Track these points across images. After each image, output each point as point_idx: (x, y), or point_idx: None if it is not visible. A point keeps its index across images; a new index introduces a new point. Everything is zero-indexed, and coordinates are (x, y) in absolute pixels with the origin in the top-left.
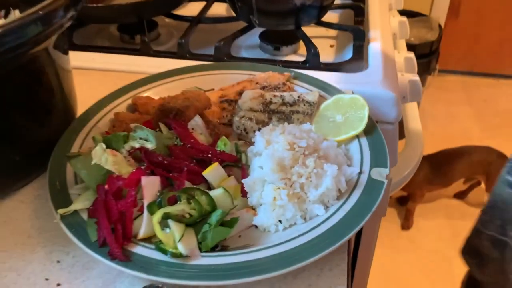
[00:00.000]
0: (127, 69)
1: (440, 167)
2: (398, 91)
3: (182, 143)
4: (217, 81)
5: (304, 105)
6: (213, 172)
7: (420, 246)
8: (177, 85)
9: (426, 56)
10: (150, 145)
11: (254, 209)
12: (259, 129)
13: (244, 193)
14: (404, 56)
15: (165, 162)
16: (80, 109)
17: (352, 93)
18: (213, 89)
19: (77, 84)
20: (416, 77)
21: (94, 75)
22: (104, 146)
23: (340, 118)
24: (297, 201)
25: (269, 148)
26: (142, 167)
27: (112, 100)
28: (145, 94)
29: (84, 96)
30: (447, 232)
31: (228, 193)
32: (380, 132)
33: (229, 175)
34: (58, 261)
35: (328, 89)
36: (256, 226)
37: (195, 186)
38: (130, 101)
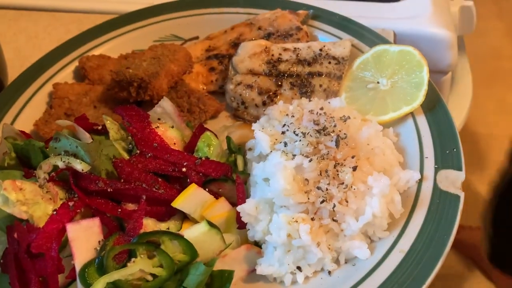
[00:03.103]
0: (87, 8)
1: None
2: (454, 26)
3: (138, 151)
4: (202, 25)
5: (330, 63)
6: (189, 200)
7: None
8: (144, 34)
9: None
10: (79, 166)
11: (258, 245)
12: (264, 103)
13: (242, 224)
14: None
15: (109, 190)
16: (13, 73)
17: (395, 40)
18: (197, 38)
19: (9, 34)
20: (470, 2)
21: (38, 18)
22: None
23: (385, 84)
24: (325, 238)
25: (278, 149)
26: (71, 203)
27: (51, 63)
28: (98, 52)
29: (23, 51)
30: None
31: (216, 229)
32: (447, 107)
33: (217, 196)
34: None
35: (364, 35)
36: None
37: (160, 227)
38: (77, 63)
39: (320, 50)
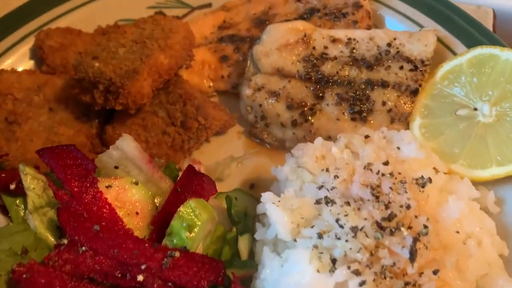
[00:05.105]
0: None
1: None
2: None
3: (68, 238)
4: None
5: (402, 68)
6: None
7: None
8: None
9: None
10: None
11: None
12: (294, 122)
13: None
14: None
15: None
16: None
17: (494, 23)
18: (209, 5)
19: None
20: None
21: None
22: None
23: (487, 113)
24: None
25: (306, 236)
26: None
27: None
28: (65, 22)
29: None
30: None
31: None
32: None
33: None
34: None
35: (457, 23)
36: None
37: None
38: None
39: (389, 45)
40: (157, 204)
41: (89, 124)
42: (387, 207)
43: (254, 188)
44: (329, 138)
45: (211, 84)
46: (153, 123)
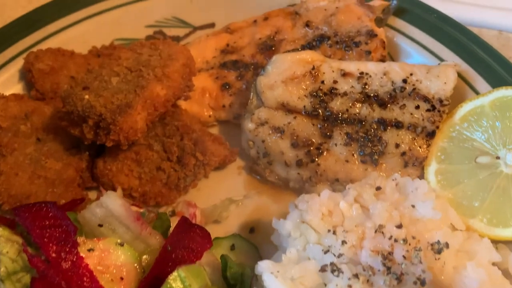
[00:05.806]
0: None
1: None
2: None
3: None
4: (221, 6)
5: (418, 107)
6: None
7: None
8: (132, 14)
9: None
10: None
11: None
12: (299, 162)
13: None
14: None
15: None
16: None
17: None
18: (212, 26)
19: None
20: None
21: None
22: None
23: (511, 161)
24: None
25: None
26: None
27: None
28: (58, 41)
29: None
30: None
31: None
32: None
33: None
34: None
35: (478, 57)
36: None
37: None
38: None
39: (404, 81)
40: (145, 263)
41: (79, 156)
42: (399, 280)
43: (255, 233)
44: (336, 180)
45: (212, 113)
46: (148, 157)
